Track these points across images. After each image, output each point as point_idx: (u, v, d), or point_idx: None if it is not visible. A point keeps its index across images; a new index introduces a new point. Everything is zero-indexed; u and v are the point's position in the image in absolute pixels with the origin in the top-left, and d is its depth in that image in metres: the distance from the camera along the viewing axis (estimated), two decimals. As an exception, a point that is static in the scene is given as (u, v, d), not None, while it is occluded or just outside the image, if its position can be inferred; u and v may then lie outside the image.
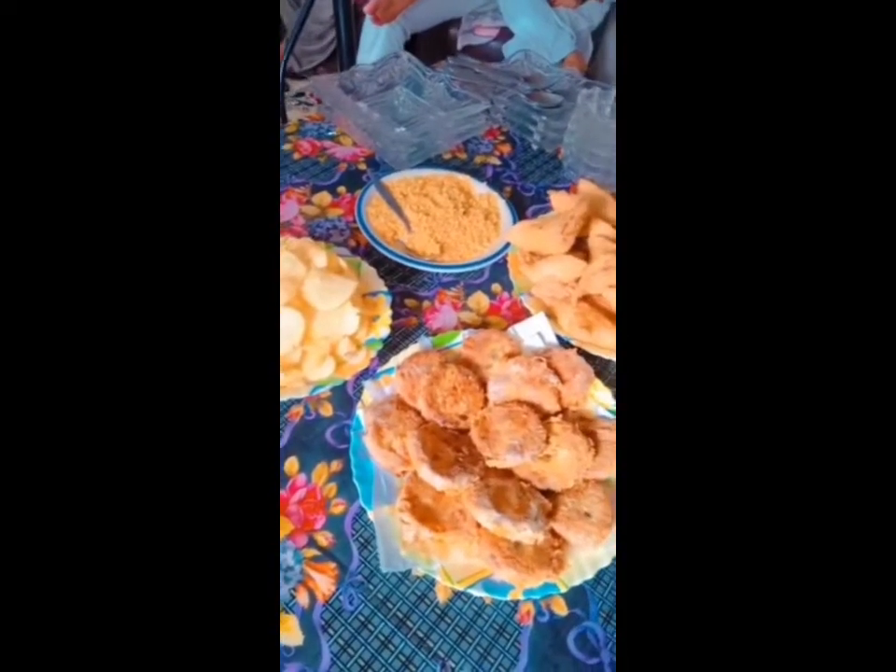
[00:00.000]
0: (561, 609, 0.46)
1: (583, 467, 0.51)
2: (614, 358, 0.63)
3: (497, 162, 0.92)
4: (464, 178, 0.83)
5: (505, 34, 1.77)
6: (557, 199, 0.74)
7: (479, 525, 0.47)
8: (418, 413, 0.54)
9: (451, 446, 0.51)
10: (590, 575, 0.46)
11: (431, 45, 1.96)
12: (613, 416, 0.57)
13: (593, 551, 0.48)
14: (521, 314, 0.67)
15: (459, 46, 1.90)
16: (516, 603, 0.46)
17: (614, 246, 0.68)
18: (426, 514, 0.47)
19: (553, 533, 0.48)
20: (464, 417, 0.54)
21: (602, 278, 0.63)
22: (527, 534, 0.45)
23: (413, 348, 0.60)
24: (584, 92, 0.83)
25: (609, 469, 0.52)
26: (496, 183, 0.87)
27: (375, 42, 1.64)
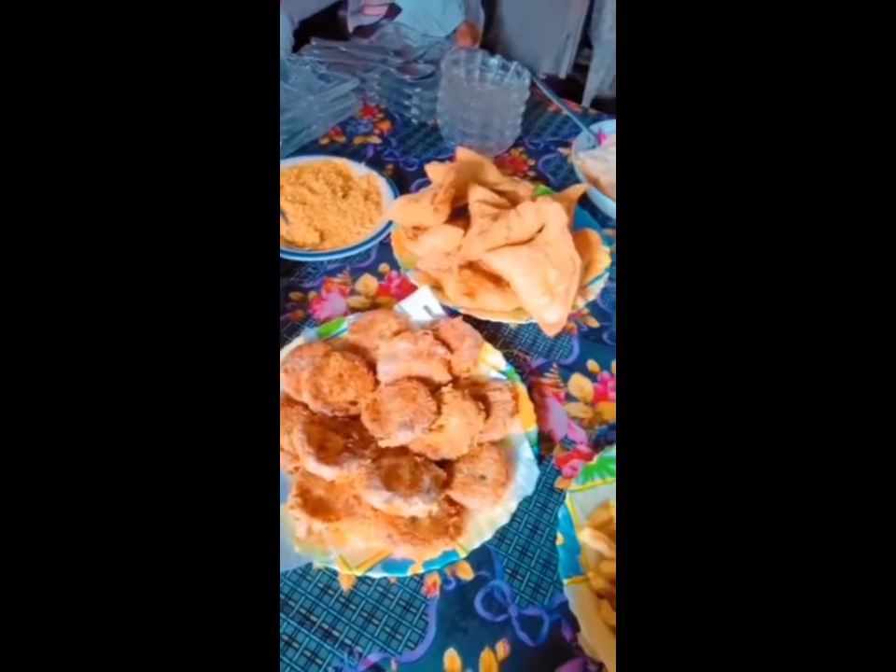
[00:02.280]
0: (467, 574, 0.47)
1: (475, 431, 0.51)
2: (503, 320, 0.64)
3: (378, 141, 0.91)
4: (341, 161, 0.81)
5: (393, 10, 1.73)
6: (432, 170, 0.73)
7: (375, 508, 0.46)
8: (305, 406, 0.53)
9: (340, 434, 0.51)
10: (489, 535, 0.47)
11: (321, 30, 1.89)
12: (505, 377, 0.58)
13: (490, 512, 0.48)
14: (410, 290, 0.67)
15: (350, 28, 1.84)
16: (422, 576, 0.46)
17: (491, 210, 0.68)
18: (319, 506, 0.47)
19: (450, 501, 0.48)
20: (354, 403, 0.54)
21: (478, 243, 0.63)
22: (419, 507, 0.45)
23: (296, 342, 0.58)
24: (449, 58, 0.82)
25: (501, 430, 0.53)
26: (377, 162, 0.85)
27: (261, 33, 1.58)
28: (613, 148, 0.86)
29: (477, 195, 0.70)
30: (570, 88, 2.09)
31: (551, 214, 0.63)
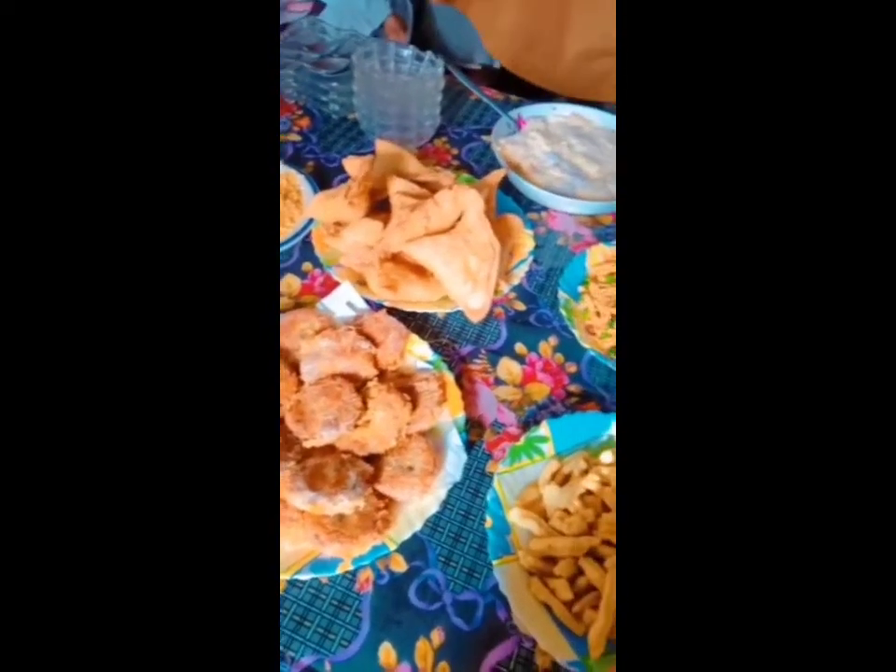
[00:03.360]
0: (400, 567, 0.46)
1: (402, 423, 0.51)
2: (429, 310, 0.64)
3: (298, 138, 0.89)
4: (259, 161, 0.79)
5: (318, 6, 1.70)
6: (349, 164, 0.72)
7: (302, 510, 0.45)
8: (226, 413, 0.52)
9: (262, 438, 0.50)
10: (418, 526, 0.47)
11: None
12: (432, 367, 0.58)
13: (420, 502, 0.48)
14: (334, 288, 0.66)
15: (274, 25, 1.80)
16: (354, 573, 0.46)
17: (411, 201, 0.67)
18: (243, 514, 0.45)
19: (379, 495, 0.48)
20: (277, 405, 0.53)
21: (397, 235, 0.63)
22: (345, 504, 0.44)
23: (215, 348, 0.57)
24: (360, 51, 0.80)
25: (429, 419, 0.53)
26: (297, 160, 0.84)
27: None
28: (534, 133, 0.87)
29: (397, 187, 0.70)
30: (507, 78, 2.09)
31: (468, 201, 0.63)
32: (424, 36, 2.10)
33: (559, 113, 0.91)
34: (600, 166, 0.82)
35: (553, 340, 0.64)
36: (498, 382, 0.60)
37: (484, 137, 0.93)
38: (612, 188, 0.80)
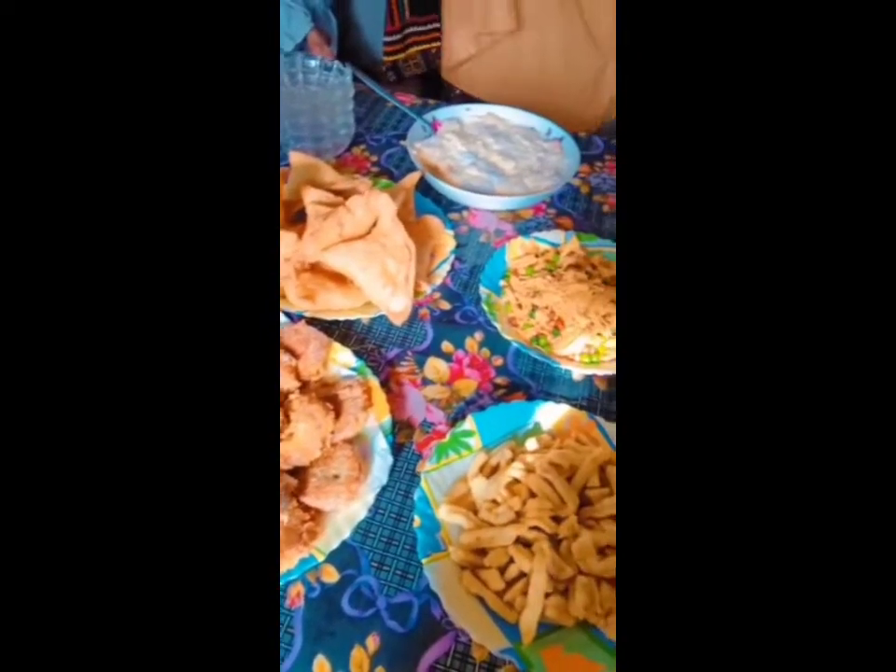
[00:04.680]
0: (332, 577, 0.46)
1: (325, 432, 0.50)
2: (352, 317, 0.63)
3: (212, 157, 0.87)
4: (170, 182, 0.77)
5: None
6: (261, 178, 0.72)
7: (225, 531, 0.44)
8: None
9: (180, 463, 0.48)
10: (347, 534, 0.46)
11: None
12: (355, 374, 0.57)
13: (347, 509, 0.48)
14: (255, 303, 0.65)
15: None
16: (284, 589, 0.45)
17: (325, 210, 0.67)
18: (162, 542, 0.44)
19: (305, 507, 0.47)
20: (196, 428, 0.51)
21: (311, 244, 0.62)
22: (266, 520, 0.44)
23: (129, 376, 0.55)
24: (266, 64, 0.80)
25: (354, 426, 0.52)
26: (212, 178, 0.82)
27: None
28: (449, 134, 0.88)
29: (311, 196, 0.69)
30: (431, 85, 2.11)
31: (380, 205, 0.63)
32: (352, 50, 2.09)
33: (474, 113, 0.93)
34: (516, 162, 0.83)
35: (478, 335, 0.65)
36: (426, 382, 0.60)
37: (403, 143, 0.93)
38: (529, 182, 0.81)
